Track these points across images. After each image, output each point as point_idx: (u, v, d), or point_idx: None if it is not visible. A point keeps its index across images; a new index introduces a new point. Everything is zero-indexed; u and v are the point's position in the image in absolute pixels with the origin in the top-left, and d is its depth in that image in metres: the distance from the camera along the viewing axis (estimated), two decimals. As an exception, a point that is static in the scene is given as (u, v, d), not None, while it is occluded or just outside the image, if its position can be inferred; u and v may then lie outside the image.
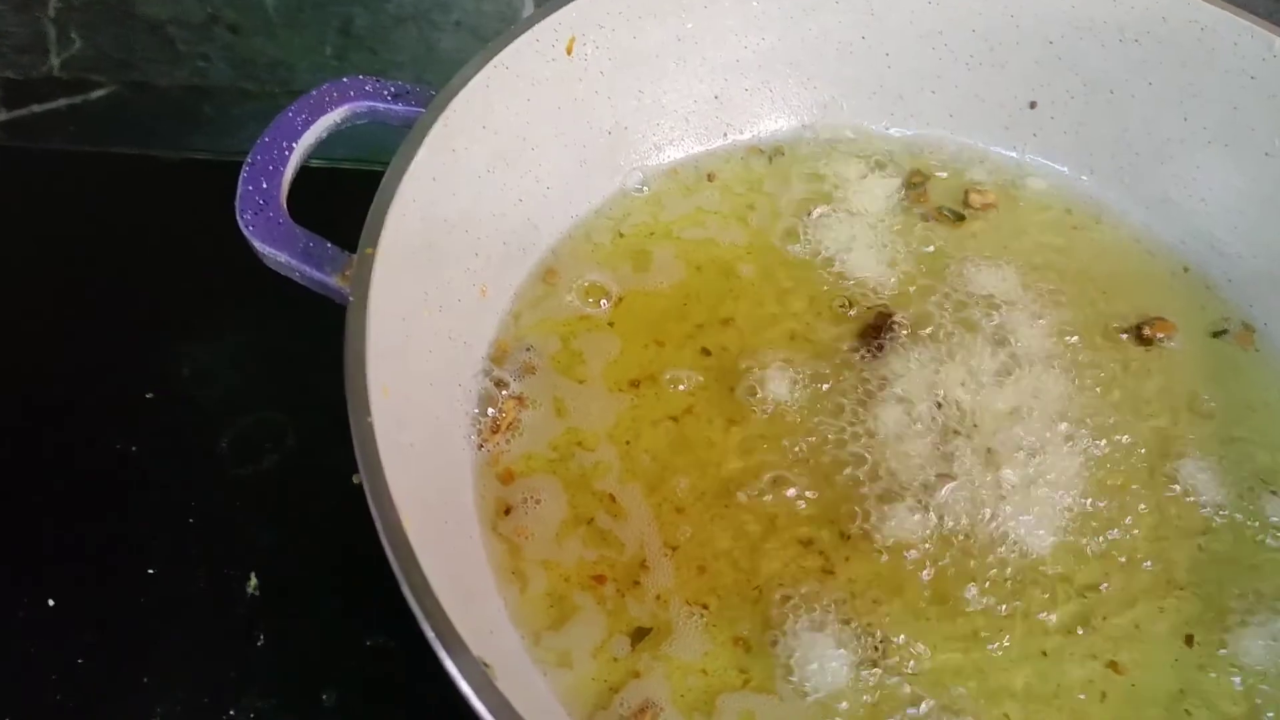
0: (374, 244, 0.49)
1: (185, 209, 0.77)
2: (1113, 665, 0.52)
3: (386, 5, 0.88)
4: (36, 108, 0.89)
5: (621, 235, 0.66)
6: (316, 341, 0.62)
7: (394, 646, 0.58)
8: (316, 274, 0.50)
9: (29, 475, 0.64)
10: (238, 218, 0.52)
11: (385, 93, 0.57)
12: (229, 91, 0.93)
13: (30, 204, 0.78)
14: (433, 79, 0.90)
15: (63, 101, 0.90)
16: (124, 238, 0.75)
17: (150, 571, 0.60)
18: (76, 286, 0.73)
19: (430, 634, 0.39)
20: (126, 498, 0.63)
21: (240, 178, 0.53)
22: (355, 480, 0.62)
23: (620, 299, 0.63)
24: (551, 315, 0.62)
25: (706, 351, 0.61)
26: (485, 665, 0.39)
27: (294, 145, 0.54)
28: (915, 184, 0.69)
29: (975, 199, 0.69)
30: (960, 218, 0.68)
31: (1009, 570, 0.54)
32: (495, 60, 0.57)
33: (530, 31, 0.59)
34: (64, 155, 0.84)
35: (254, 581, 0.60)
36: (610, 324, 0.62)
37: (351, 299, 0.47)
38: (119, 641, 0.58)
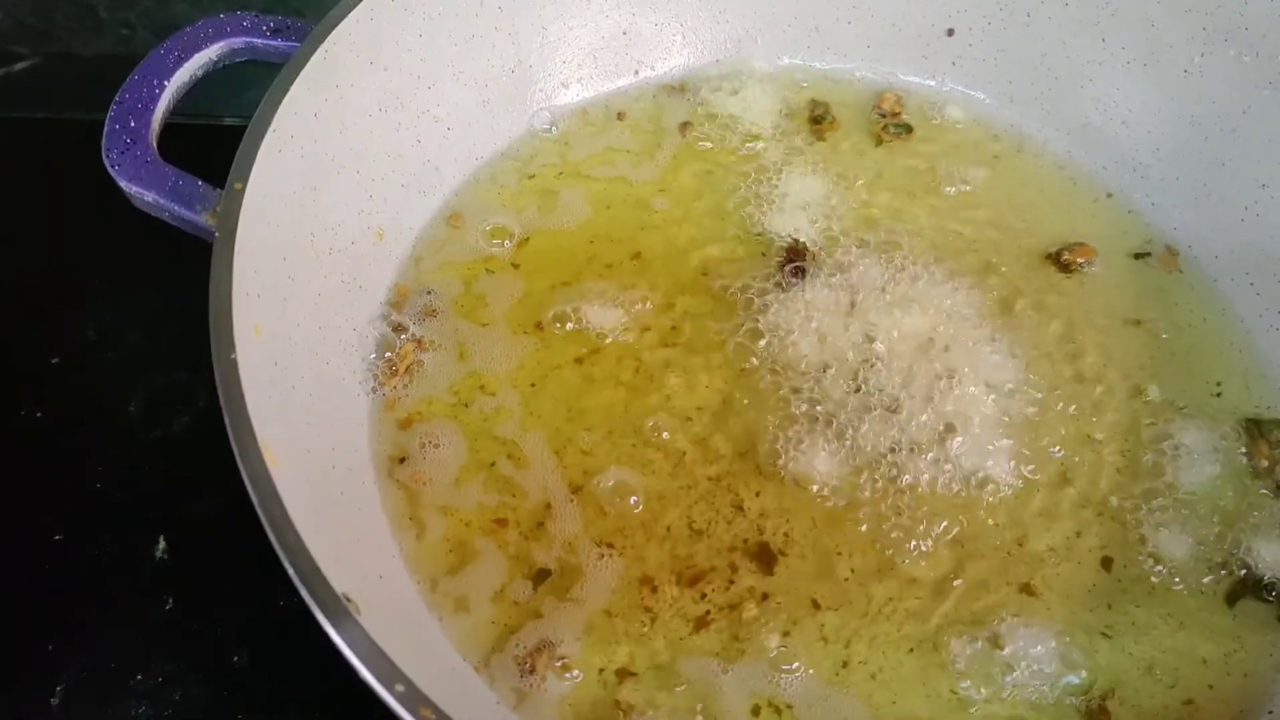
0: (244, 179, 0.47)
1: (90, 171, 0.75)
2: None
3: (314, -39, 0.85)
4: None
5: (530, 177, 0.64)
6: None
7: (306, 607, 0.56)
8: (186, 212, 0.48)
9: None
10: (103, 157, 0.49)
11: (264, 28, 0.55)
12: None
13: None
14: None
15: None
16: (29, 202, 0.73)
17: (57, 538, 0.58)
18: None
19: (289, 567, 0.37)
20: (33, 464, 0.61)
21: (107, 117, 0.50)
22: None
23: (526, 239, 0.61)
24: (454, 258, 0.60)
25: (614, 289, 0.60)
26: (348, 600, 0.37)
27: (165, 83, 0.52)
28: (821, 116, 0.67)
29: (888, 135, 0.67)
30: (879, 142, 0.66)
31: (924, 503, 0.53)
32: (380, -9, 0.55)
33: (418, -40, 0.57)
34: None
35: (162, 545, 0.58)
36: (515, 265, 0.60)
37: (217, 234, 0.45)
38: (25, 608, 0.56)
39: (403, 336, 0.56)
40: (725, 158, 0.66)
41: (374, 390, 0.54)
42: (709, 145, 0.66)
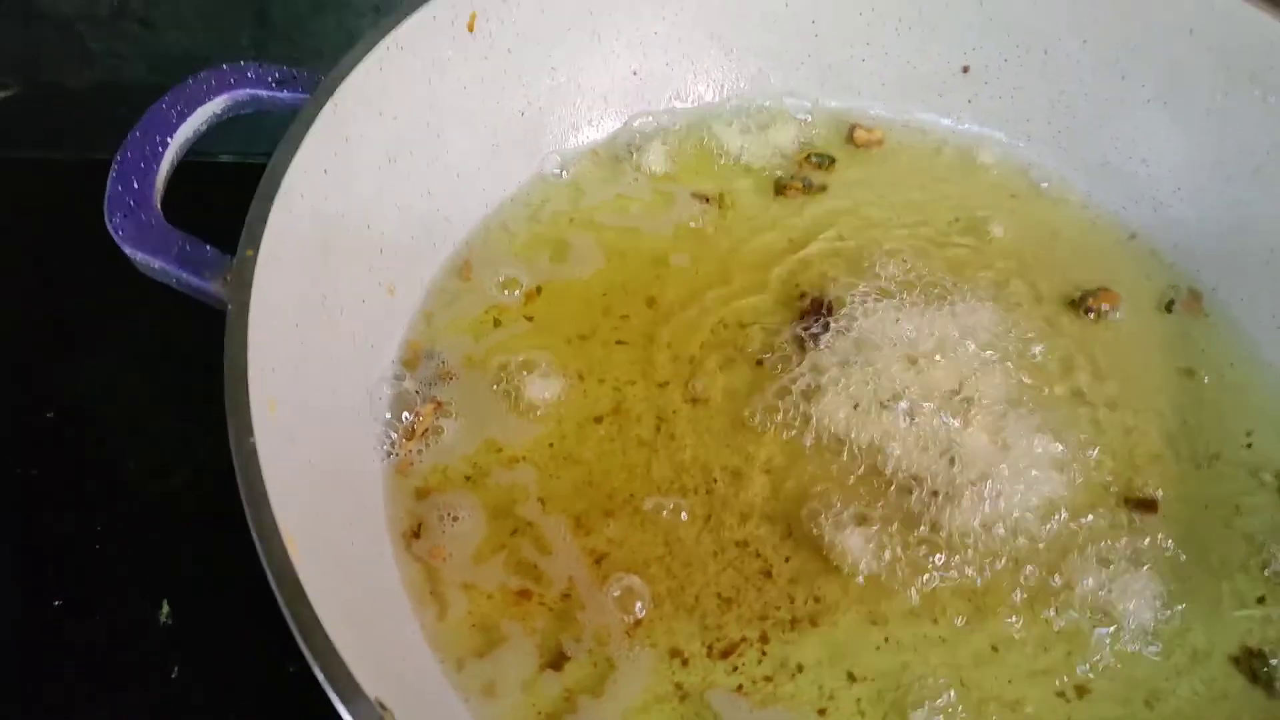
0: (255, 245, 0.45)
1: (83, 213, 0.72)
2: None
3: (303, -7, 0.84)
4: (-60, 115, 0.84)
5: (541, 224, 0.62)
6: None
7: (312, 676, 0.55)
8: (195, 280, 0.46)
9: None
10: (106, 221, 0.47)
11: (269, 79, 0.52)
12: (143, 89, 0.89)
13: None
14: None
15: (-33, 107, 0.85)
16: (21, 246, 0.70)
17: (57, 604, 0.56)
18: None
19: (320, 675, 0.35)
20: (29, 525, 0.59)
21: (109, 177, 0.48)
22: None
23: (538, 290, 0.60)
24: (466, 313, 0.58)
25: (627, 344, 0.58)
26: (383, 709, 0.35)
27: (168, 140, 0.49)
28: (831, 156, 0.66)
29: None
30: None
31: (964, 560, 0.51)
32: (388, 40, 0.53)
33: (426, 8, 0.55)
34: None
35: (166, 609, 0.56)
36: (528, 319, 0.59)
37: (230, 307, 0.43)
38: (23, 679, 0.54)
39: (419, 397, 0.54)
40: (739, 199, 0.64)
41: (388, 455, 0.52)
42: (722, 186, 0.65)
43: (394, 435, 0.53)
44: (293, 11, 0.85)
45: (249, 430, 0.40)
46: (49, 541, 0.58)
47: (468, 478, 0.53)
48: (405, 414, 0.54)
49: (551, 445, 0.54)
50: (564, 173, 0.65)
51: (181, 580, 0.57)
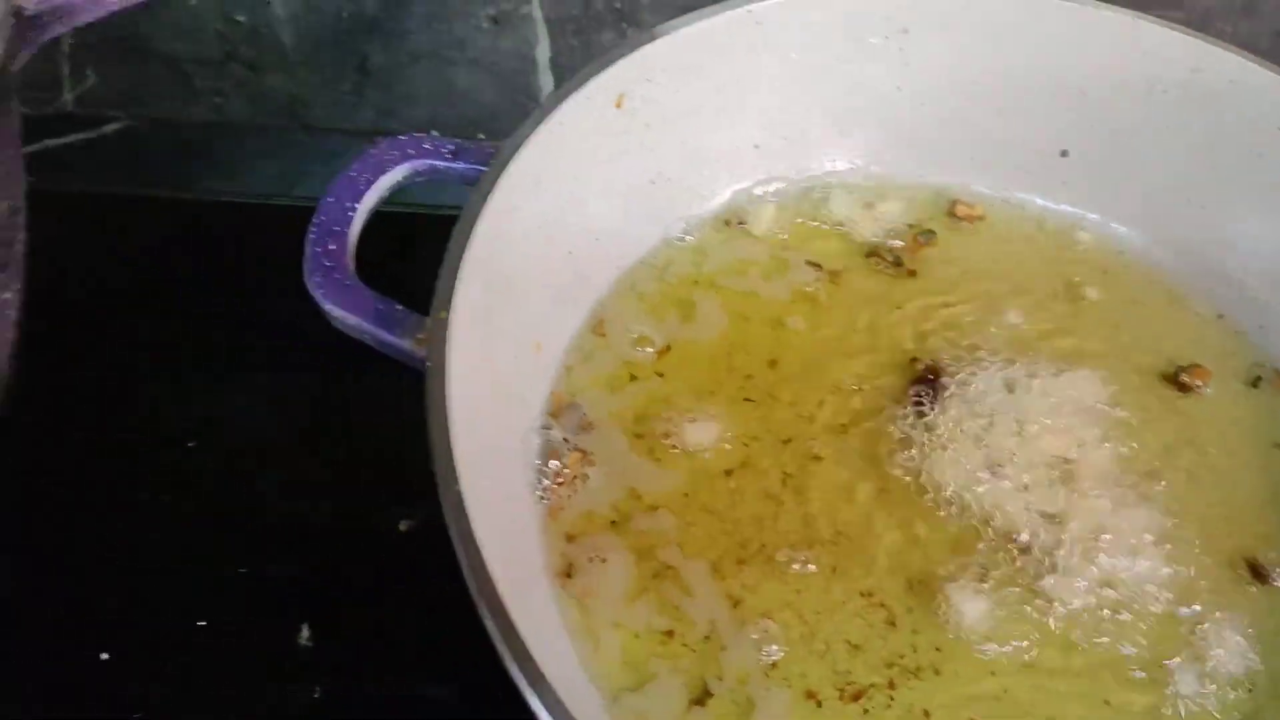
0: (447, 307, 0.49)
1: (211, 249, 0.77)
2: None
3: (403, 43, 0.88)
4: (50, 143, 0.88)
5: (667, 284, 0.67)
6: (355, 381, 0.62)
7: (451, 697, 0.59)
8: (389, 338, 0.50)
9: (73, 532, 0.63)
10: (307, 280, 0.52)
11: (444, 150, 0.57)
12: (244, 128, 0.93)
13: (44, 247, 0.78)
14: (449, 117, 0.92)
15: (76, 136, 0.90)
16: (145, 281, 0.75)
17: (201, 624, 0.60)
18: (107, 333, 0.72)
19: (523, 682, 0.39)
20: (172, 550, 0.62)
21: (307, 239, 0.53)
22: (402, 527, 0.63)
23: (668, 348, 0.64)
24: (603, 368, 0.63)
25: (753, 402, 0.62)
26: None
27: (357, 205, 0.54)
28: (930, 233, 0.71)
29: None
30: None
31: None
32: (552, 118, 0.58)
33: (585, 88, 0.59)
34: (79, 196, 0.83)
35: (306, 632, 0.60)
36: (659, 374, 0.63)
37: (429, 364, 0.47)
38: (173, 696, 0.57)
39: (567, 445, 0.58)
40: (849, 267, 0.69)
41: (541, 499, 0.57)
42: (833, 254, 0.69)
43: (545, 481, 0.57)
44: (392, 60, 0.89)
45: (455, 479, 0.44)
46: (192, 567, 0.62)
47: (613, 523, 0.57)
48: (553, 461, 0.58)
49: (686, 495, 0.58)
50: (688, 237, 0.69)
51: (320, 607, 0.60)
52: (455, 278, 0.50)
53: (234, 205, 0.83)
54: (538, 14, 0.86)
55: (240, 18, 0.86)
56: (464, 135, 0.63)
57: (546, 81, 0.90)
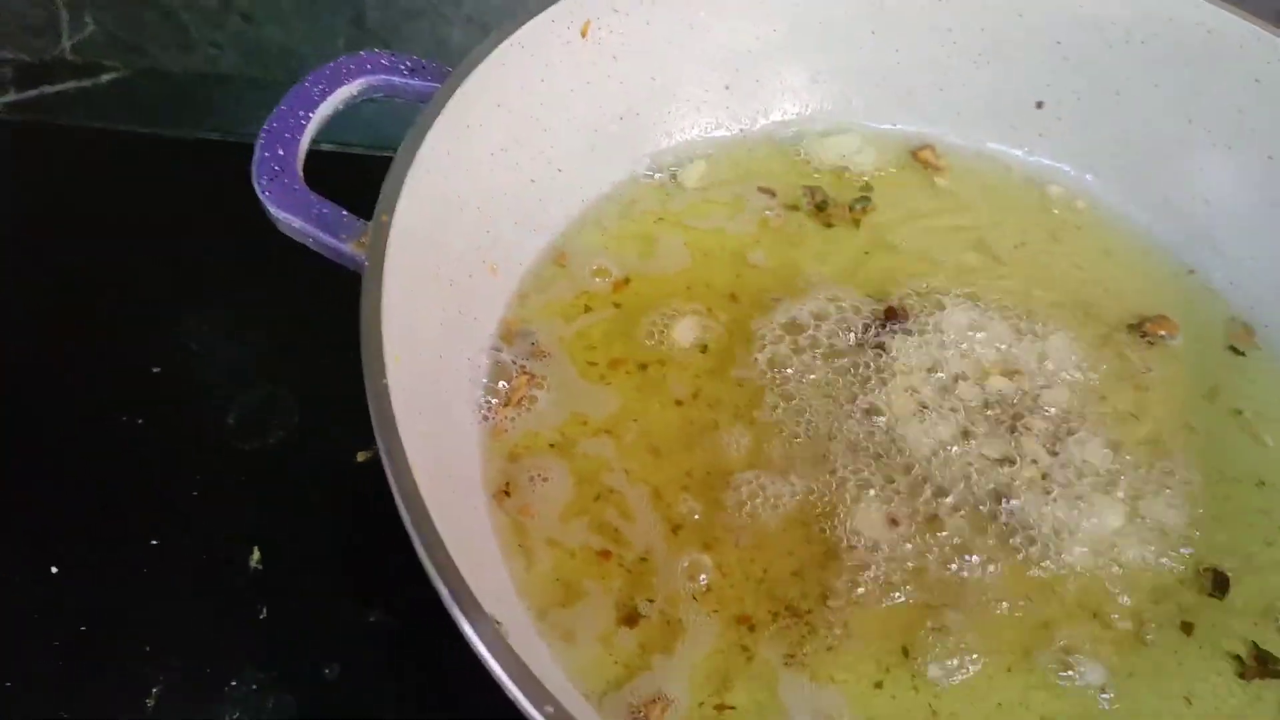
0: (390, 212, 0.49)
1: (190, 187, 0.77)
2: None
3: None
4: (47, 89, 0.89)
5: (631, 220, 0.67)
6: (324, 317, 0.62)
7: (396, 623, 0.59)
8: (331, 240, 0.50)
9: (35, 446, 0.64)
10: (254, 183, 0.52)
11: (401, 67, 0.57)
12: (238, 79, 0.94)
13: (37, 179, 0.78)
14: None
15: (72, 84, 0.90)
16: (128, 214, 0.75)
17: (154, 543, 0.60)
18: (82, 262, 0.72)
19: (444, 592, 0.38)
20: (131, 470, 0.63)
21: (257, 144, 0.53)
22: (360, 458, 0.63)
23: (626, 281, 0.64)
24: (559, 297, 0.62)
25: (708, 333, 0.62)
26: (497, 623, 0.39)
27: (310, 115, 0.54)
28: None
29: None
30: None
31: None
32: (511, 39, 0.58)
33: (547, 12, 0.59)
34: (71, 131, 0.84)
35: (256, 555, 0.60)
36: (616, 305, 0.63)
37: (367, 265, 0.47)
38: (121, 611, 0.58)
39: (515, 369, 0.58)
40: (815, 207, 0.68)
41: (485, 419, 0.56)
42: (800, 194, 0.69)
43: (491, 401, 0.57)
44: (388, 16, 0.89)
45: (383, 373, 0.44)
46: (149, 487, 0.62)
47: (554, 445, 0.57)
48: (502, 383, 0.58)
49: (635, 421, 0.58)
50: (655, 175, 0.69)
51: (271, 530, 0.61)
52: (400, 183, 0.50)
53: (226, 144, 0.83)
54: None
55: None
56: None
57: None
